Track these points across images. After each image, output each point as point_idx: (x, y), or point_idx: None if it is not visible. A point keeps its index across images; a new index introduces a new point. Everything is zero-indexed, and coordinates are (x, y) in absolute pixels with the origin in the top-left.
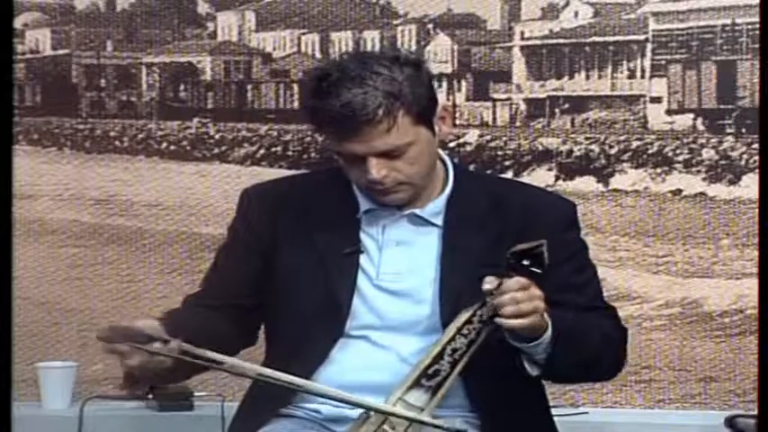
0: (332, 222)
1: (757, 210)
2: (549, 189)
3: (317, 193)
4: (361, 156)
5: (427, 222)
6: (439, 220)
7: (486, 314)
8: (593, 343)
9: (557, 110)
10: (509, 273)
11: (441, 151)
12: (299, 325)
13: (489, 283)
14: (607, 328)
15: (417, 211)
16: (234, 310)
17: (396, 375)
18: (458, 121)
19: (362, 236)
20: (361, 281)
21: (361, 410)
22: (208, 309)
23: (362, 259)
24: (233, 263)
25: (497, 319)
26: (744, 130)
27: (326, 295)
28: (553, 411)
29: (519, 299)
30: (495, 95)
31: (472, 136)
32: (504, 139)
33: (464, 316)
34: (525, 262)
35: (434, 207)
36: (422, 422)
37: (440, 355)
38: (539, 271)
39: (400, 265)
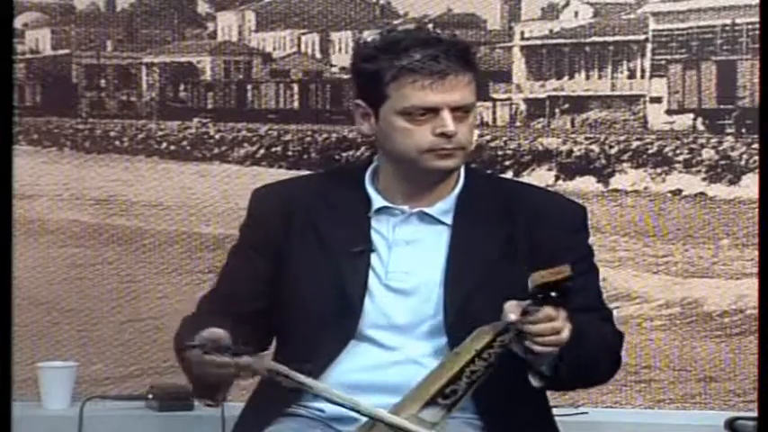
0: (343, 221)
1: (757, 210)
2: (550, 189)
3: (328, 192)
4: (436, 109)
5: (437, 221)
6: (448, 219)
7: (509, 340)
8: (592, 347)
9: (557, 110)
10: (534, 303)
11: None
12: (312, 324)
13: (513, 313)
14: (605, 330)
15: (426, 209)
16: (249, 316)
17: (402, 376)
18: None
19: (373, 234)
20: (372, 280)
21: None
22: (225, 315)
23: (373, 258)
24: (245, 266)
25: (528, 344)
26: (744, 130)
27: (338, 294)
28: (553, 411)
29: (544, 331)
30: (495, 95)
31: None
32: (504, 139)
33: (484, 339)
34: (553, 294)
35: (444, 205)
36: None
37: (458, 376)
38: (563, 302)
39: (409, 263)
